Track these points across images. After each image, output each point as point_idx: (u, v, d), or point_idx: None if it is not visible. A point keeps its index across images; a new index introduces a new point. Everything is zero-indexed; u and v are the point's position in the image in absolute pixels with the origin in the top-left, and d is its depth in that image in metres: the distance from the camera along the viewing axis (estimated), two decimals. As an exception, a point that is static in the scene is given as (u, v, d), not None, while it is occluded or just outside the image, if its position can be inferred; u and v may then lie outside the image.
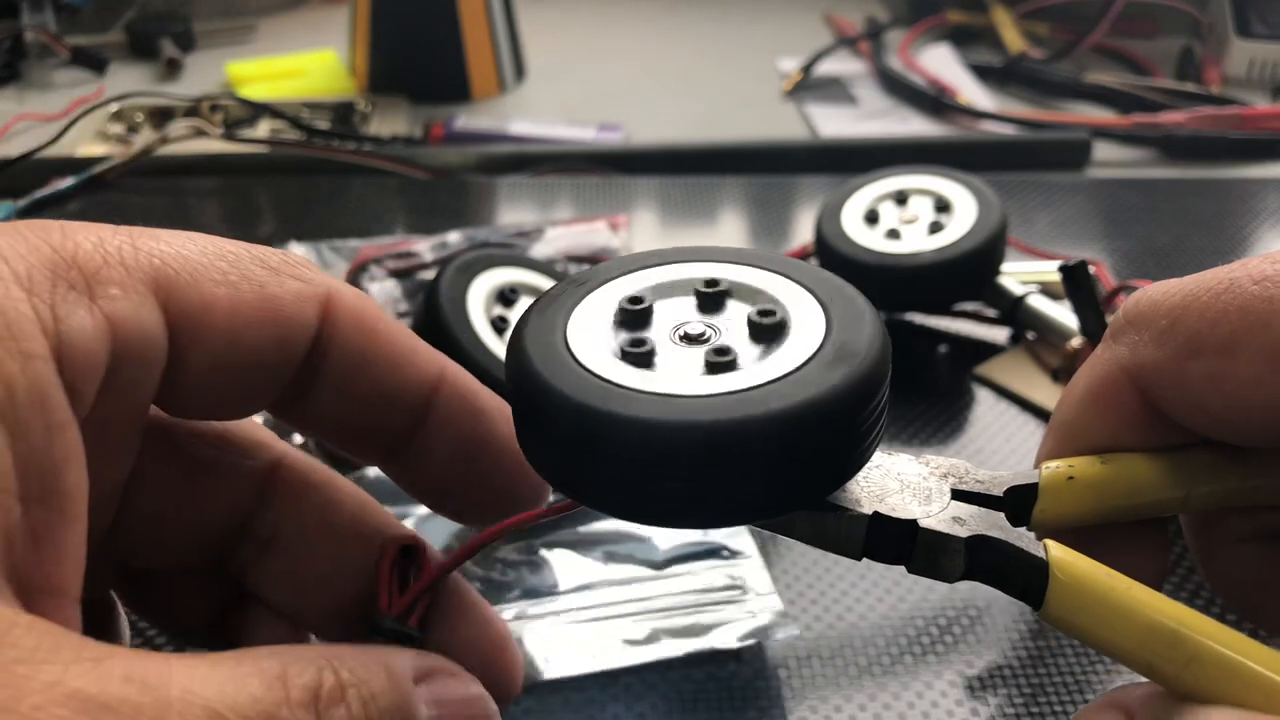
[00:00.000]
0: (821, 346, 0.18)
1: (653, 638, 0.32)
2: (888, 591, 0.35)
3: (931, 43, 0.85)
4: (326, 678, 0.15)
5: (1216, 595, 0.33)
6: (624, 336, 0.19)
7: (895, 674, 0.32)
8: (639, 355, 0.18)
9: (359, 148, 0.66)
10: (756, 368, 0.18)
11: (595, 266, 0.21)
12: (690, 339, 0.19)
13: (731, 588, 0.33)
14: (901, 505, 0.18)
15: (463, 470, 0.20)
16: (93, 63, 0.80)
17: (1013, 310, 0.45)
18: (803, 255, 0.48)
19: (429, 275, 0.50)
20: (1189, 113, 0.68)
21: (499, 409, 0.20)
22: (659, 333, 0.19)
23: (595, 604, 0.33)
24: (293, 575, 0.21)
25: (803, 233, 0.57)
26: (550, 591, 0.33)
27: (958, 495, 0.19)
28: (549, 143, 0.69)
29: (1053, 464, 0.20)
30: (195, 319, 0.17)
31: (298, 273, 0.18)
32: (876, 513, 0.18)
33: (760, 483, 0.17)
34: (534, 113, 0.75)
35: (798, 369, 0.17)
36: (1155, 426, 0.19)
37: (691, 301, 0.20)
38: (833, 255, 0.45)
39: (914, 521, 0.18)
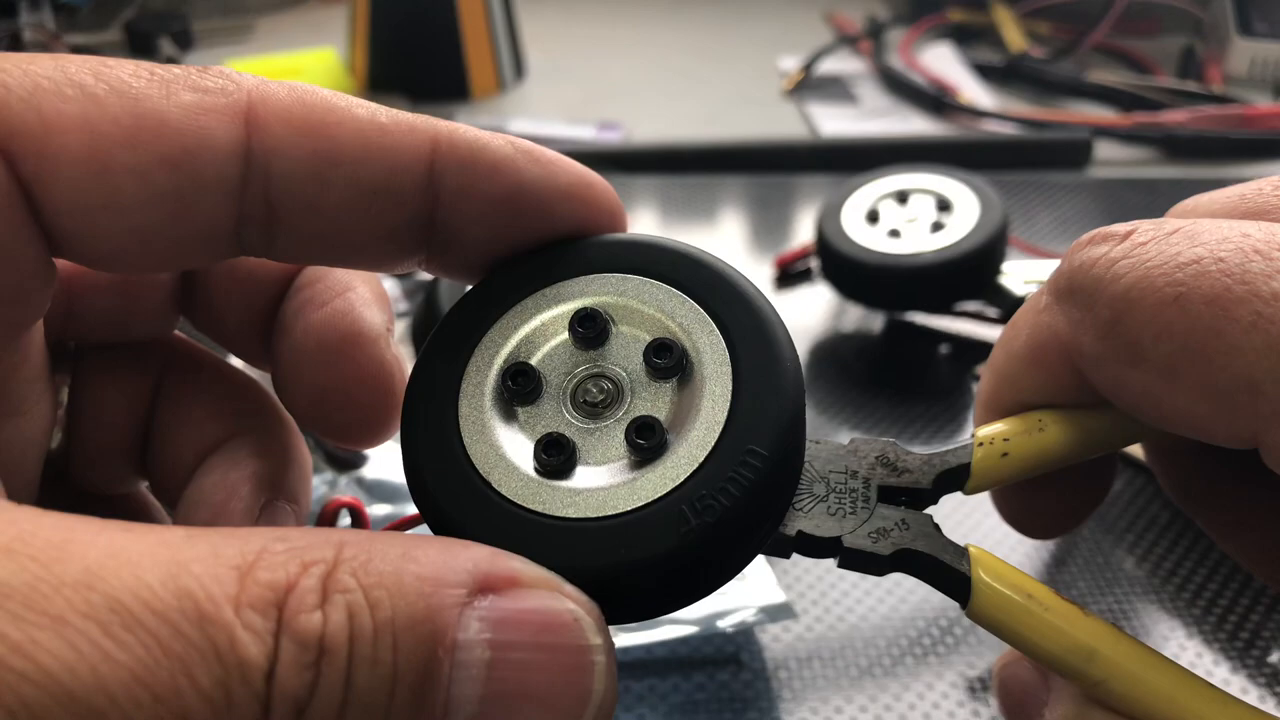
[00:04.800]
0: (733, 407, 0.17)
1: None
2: (889, 593, 0.34)
3: (932, 41, 0.85)
4: (309, 572, 0.11)
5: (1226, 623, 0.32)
6: (531, 432, 0.17)
7: (896, 675, 0.32)
8: (558, 466, 0.17)
9: (358, 147, 0.66)
10: (679, 446, 0.17)
11: (451, 316, 0.19)
12: (592, 409, 0.18)
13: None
14: (824, 522, 0.18)
15: (514, 227, 0.18)
16: (91, 61, 0.80)
17: (1014, 310, 0.44)
18: (803, 255, 0.48)
19: (428, 274, 0.49)
20: (1191, 112, 0.68)
21: (518, 151, 0.18)
22: (556, 401, 0.18)
23: None
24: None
25: (803, 232, 0.57)
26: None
27: (886, 494, 0.19)
28: (548, 142, 0.68)
29: (987, 434, 0.20)
30: (33, 141, 0.14)
31: (198, 83, 0.15)
32: (800, 532, 0.18)
33: (698, 589, 0.17)
34: (533, 112, 0.75)
35: (709, 458, 0.16)
36: (1091, 391, 0.19)
37: (566, 339, 0.18)
38: (833, 255, 0.45)
39: (838, 539, 0.18)
